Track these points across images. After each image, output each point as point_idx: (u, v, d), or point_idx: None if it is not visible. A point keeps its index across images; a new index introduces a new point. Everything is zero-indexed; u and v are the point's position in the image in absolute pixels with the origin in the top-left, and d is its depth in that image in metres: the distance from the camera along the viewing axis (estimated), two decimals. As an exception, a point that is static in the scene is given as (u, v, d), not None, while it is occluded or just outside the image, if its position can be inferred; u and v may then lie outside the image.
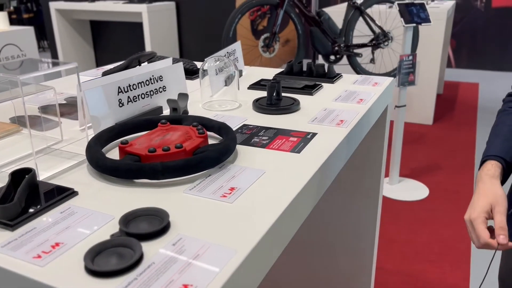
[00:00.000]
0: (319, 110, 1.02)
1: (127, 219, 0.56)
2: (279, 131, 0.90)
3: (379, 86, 1.22)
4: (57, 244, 0.53)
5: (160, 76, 1.03)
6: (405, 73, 2.36)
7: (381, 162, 1.36)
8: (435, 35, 3.44)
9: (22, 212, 0.59)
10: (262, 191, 0.66)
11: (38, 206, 0.60)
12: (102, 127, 0.87)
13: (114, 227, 0.56)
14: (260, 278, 0.56)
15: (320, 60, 3.25)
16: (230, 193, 0.65)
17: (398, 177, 2.63)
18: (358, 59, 2.91)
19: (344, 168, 1.43)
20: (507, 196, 0.94)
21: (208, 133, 0.90)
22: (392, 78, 1.30)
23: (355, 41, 2.96)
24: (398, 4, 2.29)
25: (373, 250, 1.50)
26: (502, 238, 0.80)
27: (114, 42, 5.63)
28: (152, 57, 1.23)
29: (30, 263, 0.50)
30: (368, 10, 3.45)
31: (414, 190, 2.58)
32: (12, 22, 7.73)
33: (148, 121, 0.87)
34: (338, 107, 1.04)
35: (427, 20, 2.33)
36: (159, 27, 4.77)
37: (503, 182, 0.91)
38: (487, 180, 0.88)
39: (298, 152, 0.79)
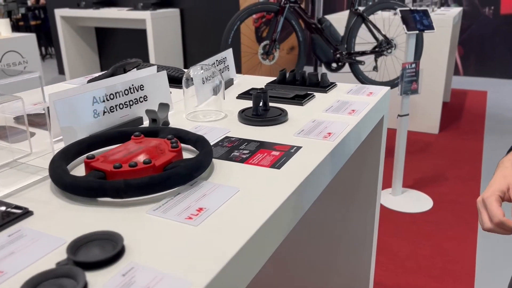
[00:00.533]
0: (307, 122, 0.97)
1: (77, 245, 0.51)
2: (262, 144, 0.85)
3: (373, 96, 1.17)
4: (-4, 273, 0.48)
5: (141, 85, 0.98)
6: (407, 81, 2.30)
7: (377, 174, 1.30)
8: (441, 42, 3.37)
9: (-33, 234, 0.54)
10: (232, 212, 0.60)
11: (-14, 228, 0.55)
12: (74, 139, 0.83)
13: (63, 253, 0.51)
14: (223, 312, 0.51)
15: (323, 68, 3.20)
16: (197, 214, 0.60)
17: (401, 188, 2.56)
18: (361, 67, 2.85)
19: (340, 179, 1.37)
20: None
21: (186, 146, 0.85)
22: (389, 87, 1.25)
23: (358, 48, 2.91)
24: (401, 10, 2.24)
25: (370, 265, 1.43)
26: None
27: (119, 49, 5.63)
28: (137, 65, 1.19)
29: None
30: (372, 17, 3.39)
31: (417, 202, 2.51)
32: (20, 29, 7.79)
33: (122, 133, 0.82)
34: (327, 119, 0.99)
35: (430, 27, 2.27)
36: (163, 33, 4.75)
37: None
38: (509, 165, 0.80)
39: (278, 168, 0.74)
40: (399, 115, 2.40)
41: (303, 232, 1.50)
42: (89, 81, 1.25)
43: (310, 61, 6.02)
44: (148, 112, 0.91)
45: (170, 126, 0.95)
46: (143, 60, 5.45)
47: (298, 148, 0.82)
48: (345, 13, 3.68)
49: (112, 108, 0.91)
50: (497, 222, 0.72)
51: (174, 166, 0.68)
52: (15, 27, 7.97)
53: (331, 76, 3.63)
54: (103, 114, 0.89)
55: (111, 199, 0.64)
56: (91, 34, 5.62)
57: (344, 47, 2.71)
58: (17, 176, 0.72)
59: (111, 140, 0.81)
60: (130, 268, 0.49)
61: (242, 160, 0.77)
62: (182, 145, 0.85)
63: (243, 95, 1.17)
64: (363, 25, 2.75)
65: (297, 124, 0.95)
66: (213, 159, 0.78)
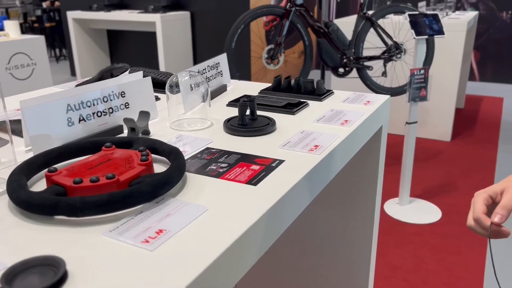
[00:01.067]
0: (296, 133, 0.91)
1: (14, 272, 0.47)
2: (242, 157, 0.79)
3: (371, 105, 1.10)
4: None
5: (122, 91, 0.94)
6: (416, 88, 2.23)
7: (375, 185, 1.24)
8: (454, 47, 3.28)
9: None
10: (195, 234, 0.55)
11: None
12: (45, 149, 0.79)
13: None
14: None
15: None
16: (155, 237, 0.55)
17: (408, 197, 2.48)
18: (369, 72, 2.78)
19: (338, 190, 1.31)
20: None
21: (162, 158, 0.80)
22: (388, 95, 1.18)
23: (366, 53, 2.83)
24: (409, 15, 2.17)
25: (369, 279, 1.37)
26: (498, 217, 0.69)
27: (130, 51, 5.65)
28: (125, 70, 1.15)
29: None
30: (381, 21, 3.32)
31: (425, 212, 2.42)
32: (35, 30, 7.88)
33: (94, 144, 0.78)
34: (317, 129, 0.93)
35: (440, 32, 2.19)
36: (173, 36, 4.74)
37: None
38: None
39: (255, 184, 0.69)
40: (407, 123, 2.32)
41: (298, 244, 1.45)
42: (77, 86, 1.21)
43: (319, 66, 5.95)
44: (126, 120, 0.86)
45: (149, 135, 0.91)
46: (153, 62, 5.46)
47: (281, 161, 0.77)
48: (353, 17, 3.60)
49: (89, 116, 0.87)
50: (475, 217, 0.72)
51: (139, 181, 0.64)
52: (31, 29, 8.07)
53: (338, 82, 3.55)
54: (79, 122, 0.85)
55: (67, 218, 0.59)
56: (103, 36, 5.64)
57: (351, 51, 2.64)
58: (-23, 189, 0.68)
59: (82, 151, 0.77)
60: (68, 300, 0.44)
61: (218, 175, 0.72)
62: (158, 157, 0.80)
63: (233, 103, 1.12)
64: (372, 30, 2.68)
65: (285, 135, 0.90)
66: (187, 173, 0.73)
